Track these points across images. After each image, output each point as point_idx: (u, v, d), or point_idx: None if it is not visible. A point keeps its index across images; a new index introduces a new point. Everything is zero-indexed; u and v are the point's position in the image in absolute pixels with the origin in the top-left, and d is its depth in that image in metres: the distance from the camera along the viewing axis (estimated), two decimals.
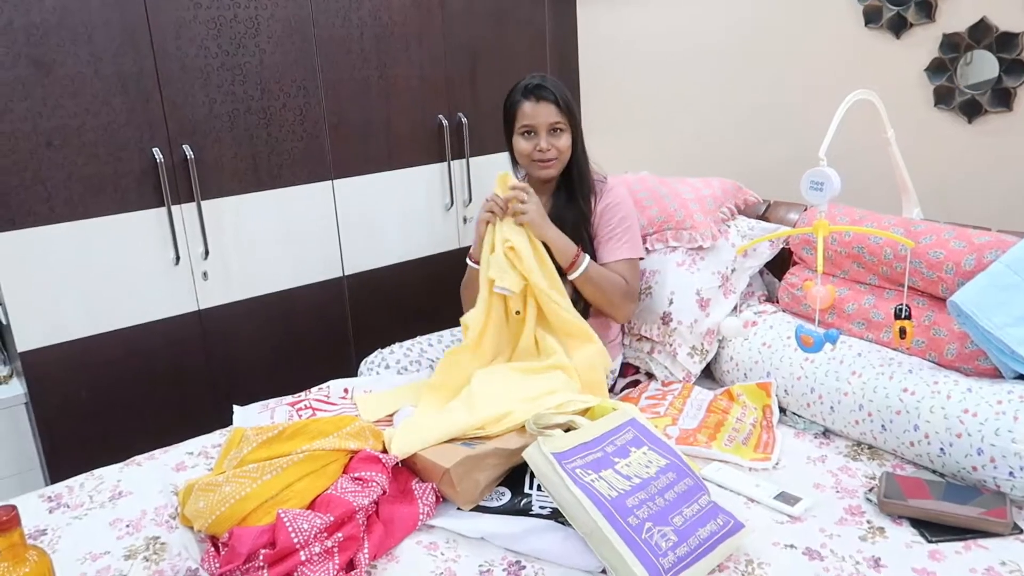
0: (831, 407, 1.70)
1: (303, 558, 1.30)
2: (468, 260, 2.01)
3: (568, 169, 1.94)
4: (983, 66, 2.01)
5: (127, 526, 1.52)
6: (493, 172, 2.58)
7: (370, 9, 2.49)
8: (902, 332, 1.59)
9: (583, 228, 1.91)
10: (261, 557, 1.30)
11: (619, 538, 1.24)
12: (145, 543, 1.47)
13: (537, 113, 1.86)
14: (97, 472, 1.72)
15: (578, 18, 3.00)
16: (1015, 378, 1.55)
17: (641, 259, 1.96)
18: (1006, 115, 2.00)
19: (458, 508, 1.49)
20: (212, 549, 1.40)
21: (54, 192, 2.06)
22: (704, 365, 1.96)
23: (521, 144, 1.91)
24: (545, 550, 1.37)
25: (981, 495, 1.42)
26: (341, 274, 2.60)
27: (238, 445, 1.53)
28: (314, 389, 1.98)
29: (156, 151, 2.17)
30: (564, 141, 1.88)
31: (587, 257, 1.86)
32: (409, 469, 1.58)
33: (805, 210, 2.09)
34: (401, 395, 1.88)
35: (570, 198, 1.94)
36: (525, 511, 1.44)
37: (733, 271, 2.02)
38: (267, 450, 1.48)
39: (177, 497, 1.58)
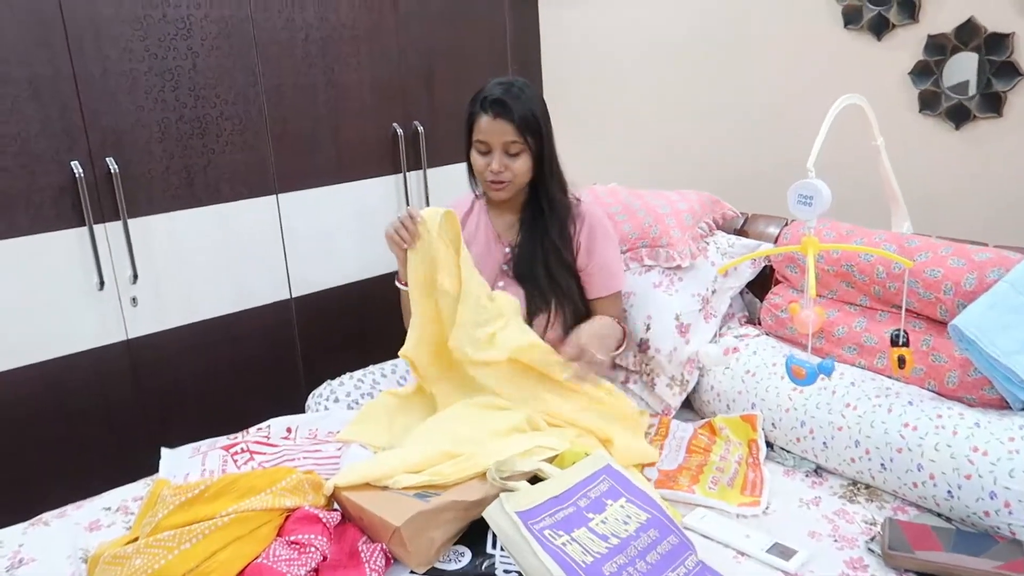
0: (824, 443, 1.54)
1: None
2: (398, 283, 1.80)
3: (535, 191, 1.76)
4: (970, 69, 1.89)
5: None
6: (452, 184, 2.37)
7: (315, 10, 2.29)
8: (901, 361, 1.45)
9: (551, 258, 1.73)
10: None
11: None
12: None
13: (492, 130, 1.67)
14: None
15: (540, 18, 2.84)
16: None
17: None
18: (995, 121, 1.88)
19: (411, 572, 1.30)
20: None
21: None
22: (684, 397, 1.80)
23: (476, 159, 1.73)
24: None
25: (996, 544, 1.27)
26: (288, 296, 2.40)
27: (155, 506, 1.32)
28: (252, 429, 1.77)
29: (75, 164, 1.95)
30: (521, 164, 1.70)
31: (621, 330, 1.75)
32: (356, 525, 1.38)
33: (787, 224, 1.94)
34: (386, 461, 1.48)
35: (535, 225, 1.75)
36: None
37: (713, 292, 1.86)
38: (186, 513, 1.27)
39: (86, 566, 1.37)
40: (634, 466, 1.56)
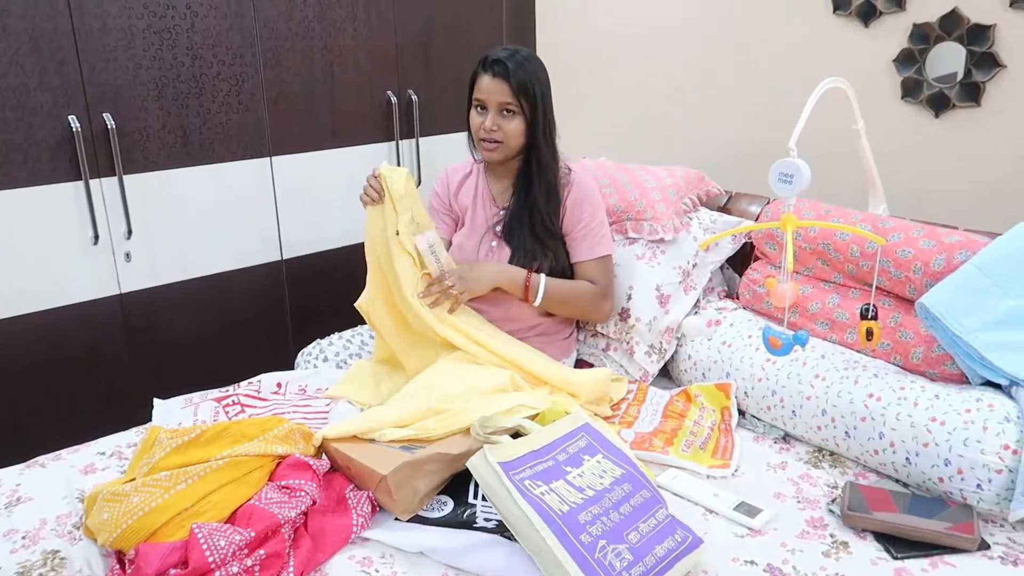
0: (793, 411, 1.62)
1: None
2: None
3: (528, 158, 1.81)
4: (952, 58, 1.95)
5: (23, 538, 1.36)
6: (445, 154, 2.41)
7: None
8: (869, 333, 1.52)
9: (537, 223, 1.78)
10: None
11: (570, 558, 1.14)
12: (42, 558, 1.31)
13: (490, 89, 1.74)
14: None
15: None
16: (982, 384, 1.49)
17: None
18: (974, 110, 1.94)
19: (396, 518, 1.37)
20: (117, 566, 1.25)
21: None
22: (662, 364, 1.87)
23: (473, 117, 1.80)
24: (490, 567, 1.26)
25: (948, 508, 1.35)
26: (279, 257, 2.44)
27: (151, 449, 1.37)
28: (243, 383, 1.82)
29: (72, 119, 1.98)
30: (514, 125, 1.75)
31: (541, 279, 1.76)
32: (344, 475, 1.45)
33: (768, 203, 2.01)
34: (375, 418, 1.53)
35: (526, 190, 1.81)
36: (468, 523, 1.33)
37: (694, 266, 1.92)
38: (182, 456, 1.33)
39: (83, 504, 1.42)
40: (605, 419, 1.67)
